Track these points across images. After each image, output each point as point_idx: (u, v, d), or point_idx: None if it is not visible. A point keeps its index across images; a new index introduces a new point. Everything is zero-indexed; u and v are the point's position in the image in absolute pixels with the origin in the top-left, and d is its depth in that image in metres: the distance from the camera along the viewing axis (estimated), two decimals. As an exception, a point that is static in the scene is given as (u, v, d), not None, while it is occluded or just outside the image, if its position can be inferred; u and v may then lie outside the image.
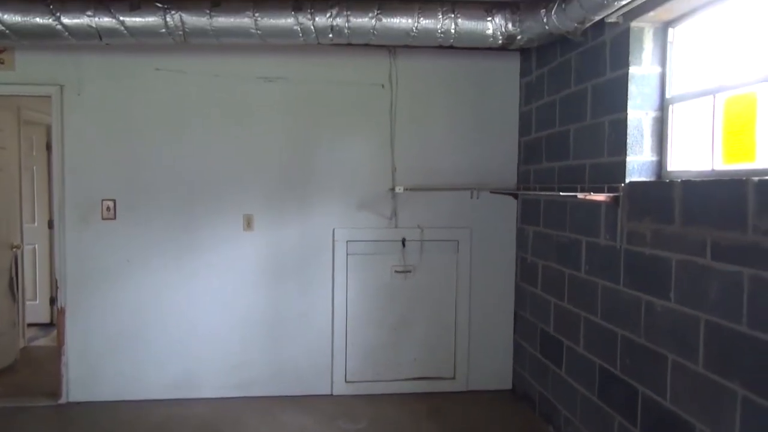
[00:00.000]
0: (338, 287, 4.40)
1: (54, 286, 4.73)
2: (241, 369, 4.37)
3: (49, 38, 3.42)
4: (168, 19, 3.33)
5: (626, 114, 2.97)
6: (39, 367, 4.92)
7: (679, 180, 2.60)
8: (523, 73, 4.40)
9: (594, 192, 3.14)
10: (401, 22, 3.41)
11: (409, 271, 4.45)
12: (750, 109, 2.44)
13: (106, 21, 3.33)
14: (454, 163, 4.42)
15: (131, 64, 4.17)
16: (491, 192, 4.38)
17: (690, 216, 2.48)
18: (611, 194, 3.03)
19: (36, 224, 6.05)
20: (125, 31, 3.39)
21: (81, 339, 4.25)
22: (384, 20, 3.39)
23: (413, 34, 3.47)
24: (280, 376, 4.40)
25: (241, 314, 4.35)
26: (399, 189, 4.32)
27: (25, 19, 3.28)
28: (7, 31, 3.33)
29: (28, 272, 5.78)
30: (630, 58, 2.95)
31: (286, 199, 4.34)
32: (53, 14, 3.28)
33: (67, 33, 3.37)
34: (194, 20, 3.35)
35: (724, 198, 2.28)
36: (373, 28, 3.42)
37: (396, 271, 4.44)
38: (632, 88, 2.96)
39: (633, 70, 2.96)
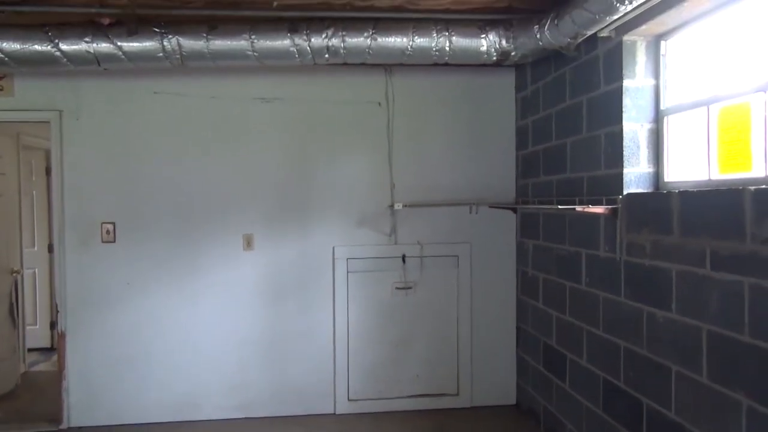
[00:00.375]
0: (339, 305, 4.39)
1: (54, 310, 4.71)
2: (242, 389, 4.34)
3: (47, 65, 3.46)
4: (165, 43, 3.36)
5: (622, 126, 2.99)
6: (40, 392, 4.89)
7: (676, 191, 2.62)
8: (519, 87, 4.43)
9: (592, 204, 3.15)
10: (396, 41, 3.44)
11: (410, 288, 4.45)
12: (744, 119, 2.46)
13: (104, 46, 3.36)
14: (453, 178, 4.44)
15: (129, 88, 4.20)
16: (490, 206, 4.40)
17: (688, 226, 2.49)
18: (609, 206, 3.04)
19: (36, 248, 6.05)
20: (123, 56, 3.42)
21: (81, 363, 4.23)
22: (379, 40, 3.43)
23: (408, 52, 3.51)
24: (282, 396, 4.37)
25: (242, 334, 4.33)
26: (398, 206, 4.33)
27: (24, 46, 3.31)
28: (7, 59, 3.36)
29: (28, 297, 5.77)
30: (623, 71, 2.98)
31: (285, 218, 4.35)
32: (52, 41, 3.32)
33: (65, 59, 3.41)
34: (191, 44, 3.38)
35: (722, 207, 2.29)
36: (369, 47, 3.46)
37: (397, 288, 4.43)
38: (627, 101, 2.98)
39: (627, 83, 2.98)
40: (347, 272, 4.39)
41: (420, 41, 3.45)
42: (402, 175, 4.40)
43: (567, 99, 3.60)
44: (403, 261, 4.42)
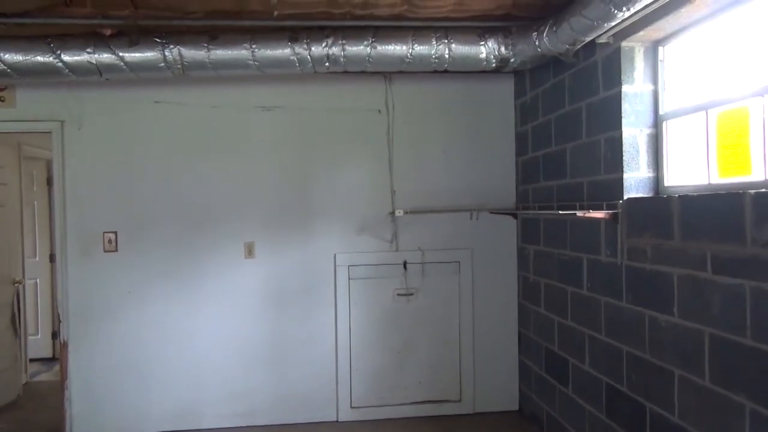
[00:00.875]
0: (341, 312, 4.40)
1: (56, 320, 4.71)
2: (244, 398, 4.34)
3: (49, 75, 3.48)
4: (167, 53, 3.39)
5: (621, 132, 3.01)
6: (42, 403, 4.88)
7: (676, 195, 2.63)
8: (518, 94, 4.45)
9: (593, 209, 3.16)
10: (396, 49, 3.47)
11: (412, 294, 4.45)
12: (743, 123, 2.47)
13: (105, 57, 3.39)
14: (453, 184, 4.45)
15: (131, 97, 4.22)
16: (491, 212, 4.41)
17: (689, 230, 2.50)
18: (610, 211, 3.05)
19: (37, 258, 6.05)
20: (125, 67, 3.44)
21: (84, 373, 4.22)
22: (379, 48, 3.45)
23: (408, 60, 3.53)
24: (285, 404, 4.36)
25: (244, 342, 4.33)
26: (399, 212, 4.34)
27: (27, 58, 3.34)
28: (9, 70, 3.39)
29: (29, 307, 5.77)
30: (622, 77, 3.00)
31: (286, 226, 4.36)
32: (54, 52, 3.34)
33: (67, 70, 3.43)
34: (192, 54, 3.41)
35: (722, 211, 2.30)
36: (369, 55, 3.48)
37: (398, 294, 4.44)
38: (626, 106, 3.00)
39: (626, 88, 3.00)
40: (349, 279, 4.40)
41: (419, 49, 3.48)
42: (402, 182, 4.41)
43: (566, 105, 3.62)
44: (405, 267, 4.42)
